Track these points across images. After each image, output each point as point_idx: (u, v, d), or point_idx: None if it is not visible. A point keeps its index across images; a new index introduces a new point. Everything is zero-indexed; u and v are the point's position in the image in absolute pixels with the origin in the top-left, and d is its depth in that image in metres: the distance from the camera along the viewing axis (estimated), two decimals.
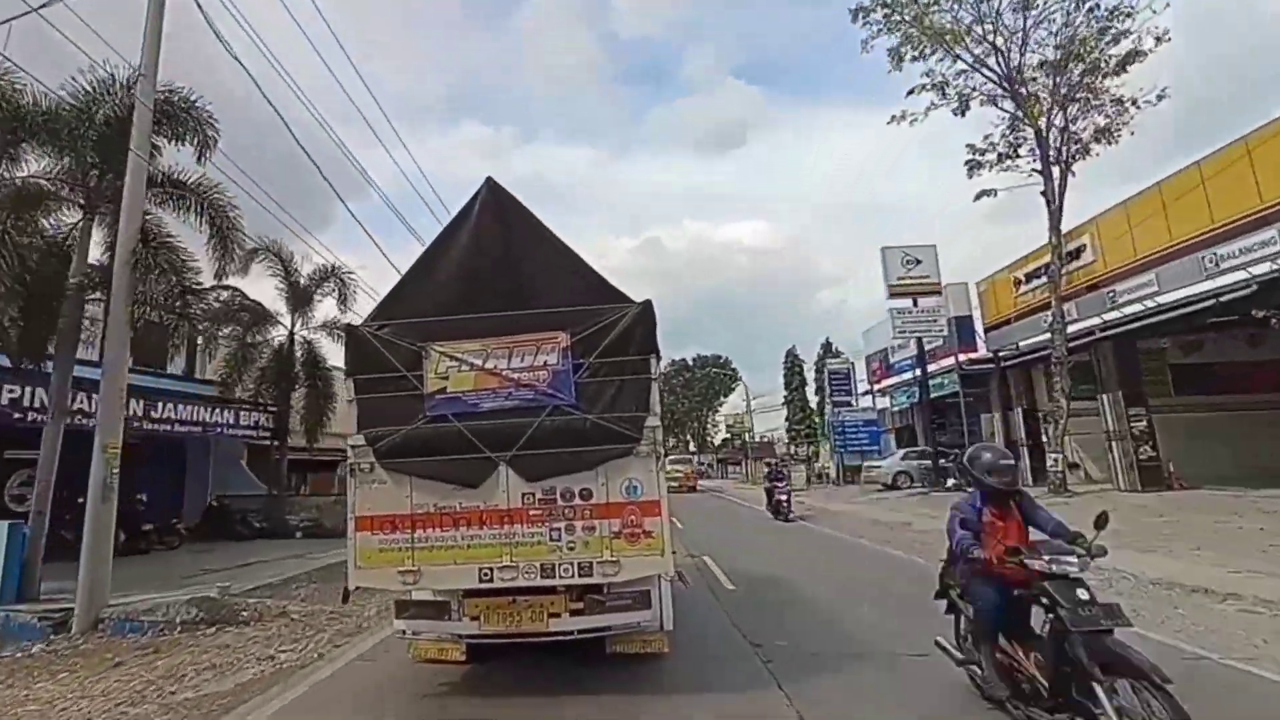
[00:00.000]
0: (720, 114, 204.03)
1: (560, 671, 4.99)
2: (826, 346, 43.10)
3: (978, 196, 20.39)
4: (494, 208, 5.10)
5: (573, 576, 4.43)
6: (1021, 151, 20.22)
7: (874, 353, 35.18)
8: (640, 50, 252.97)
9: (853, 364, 36.54)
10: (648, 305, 4.83)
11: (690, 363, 72.57)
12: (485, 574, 4.44)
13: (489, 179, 5.23)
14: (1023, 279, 22.00)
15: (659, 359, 4.93)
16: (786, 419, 48.89)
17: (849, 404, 37.00)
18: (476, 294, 4.87)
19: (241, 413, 15.58)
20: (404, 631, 4.84)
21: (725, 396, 75.52)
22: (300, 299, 17.93)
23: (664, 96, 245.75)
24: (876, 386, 35.67)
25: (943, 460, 24.58)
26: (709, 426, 79.13)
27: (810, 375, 48.35)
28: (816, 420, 46.91)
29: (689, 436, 79.35)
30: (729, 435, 57.80)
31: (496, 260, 4.95)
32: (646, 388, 4.70)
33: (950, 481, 23.24)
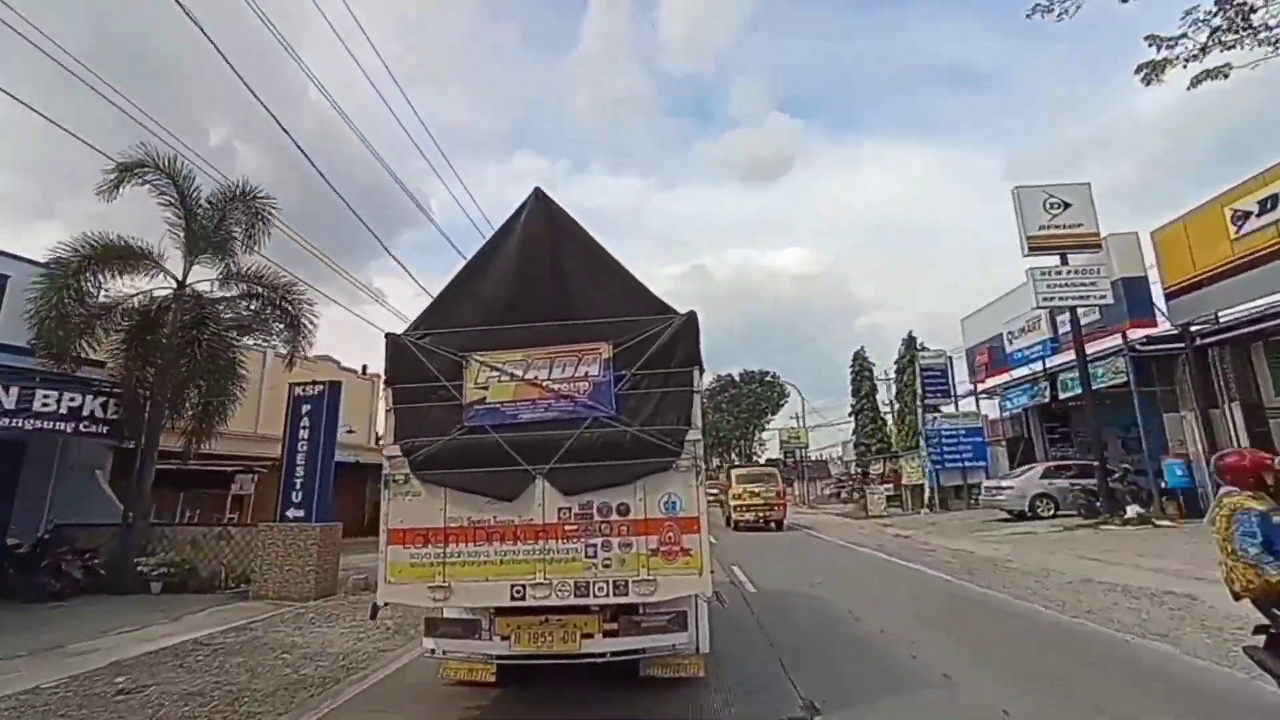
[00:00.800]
0: (764, 146, 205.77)
1: (590, 695, 4.83)
2: (910, 341, 35.80)
3: (1196, 82, 13.52)
4: (541, 218, 5.05)
5: (608, 595, 4.27)
6: (1255, 20, 13.50)
7: (977, 345, 28.07)
8: (688, 85, 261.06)
9: (950, 358, 29.37)
10: (692, 316, 4.72)
11: (736, 378, 70.04)
12: (518, 591, 4.29)
13: (537, 189, 5.18)
14: (1253, 210, 14.94)
15: (702, 372, 4.83)
16: (855, 431, 41.64)
17: (939, 409, 29.88)
18: (520, 303, 4.80)
19: (42, 393, 9.75)
20: (432, 651, 4.64)
21: (773, 414, 71.42)
22: (198, 237, 12.18)
23: (710, 130, 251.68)
24: (980, 387, 28.46)
25: (1113, 480, 17.42)
26: (755, 445, 73.88)
27: (883, 380, 41.19)
28: (891, 432, 39.65)
29: (734, 455, 74.21)
30: (783, 452, 50.65)
31: (541, 270, 4.88)
32: (688, 400, 4.55)
33: (1132, 509, 16.11)
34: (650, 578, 4.22)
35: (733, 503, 22.24)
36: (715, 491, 38.94)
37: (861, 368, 40.77)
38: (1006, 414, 28.18)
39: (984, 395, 28.82)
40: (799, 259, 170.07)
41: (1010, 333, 24.81)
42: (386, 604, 4.48)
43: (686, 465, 4.39)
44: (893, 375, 36.78)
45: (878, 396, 41.03)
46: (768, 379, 71.34)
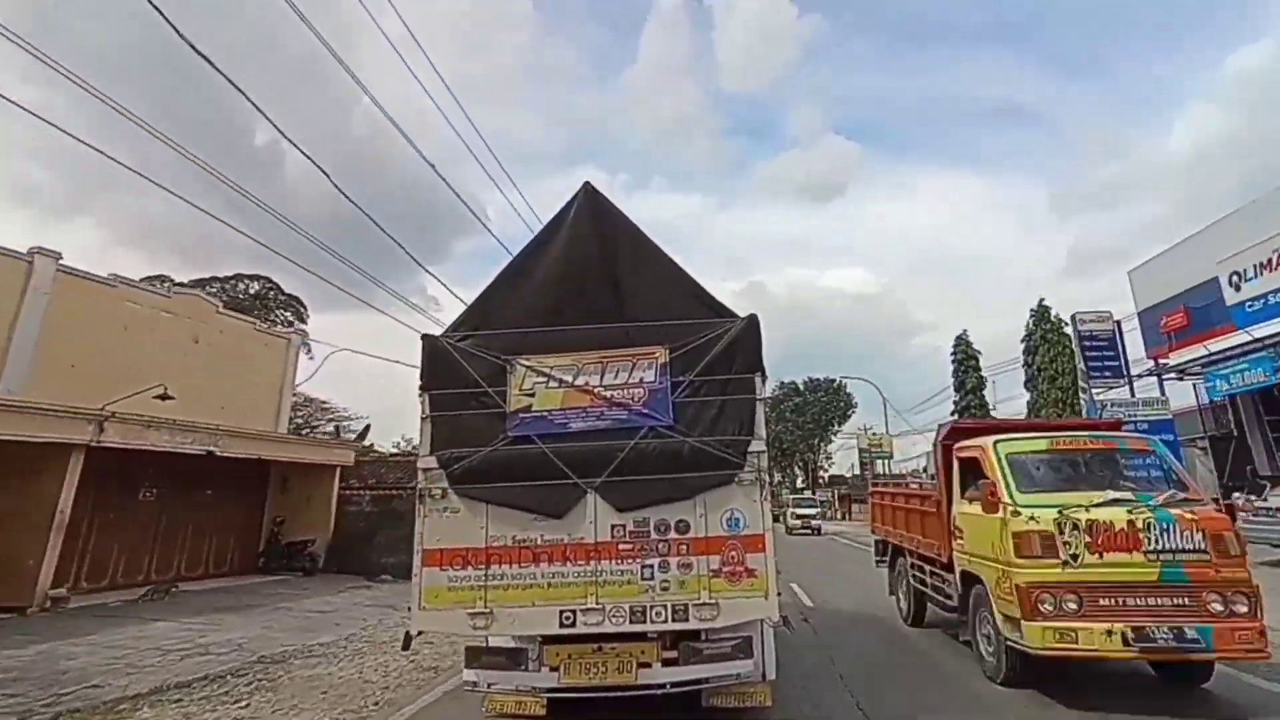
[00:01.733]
0: (821, 167, 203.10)
1: None
2: (1041, 312, 27.21)
3: None
4: (591, 214, 4.73)
5: (666, 621, 3.93)
6: None
7: (1160, 302, 19.99)
8: (745, 106, 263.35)
9: (1118, 323, 21.18)
10: (753, 320, 4.40)
11: (801, 387, 65.67)
12: (567, 617, 3.96)
13: (587, 183, 4.82)
14: None
15: (765, 378, 4.44)
16: None
17: (1089, 391, 21.69)
18: (569, 305, 4.51)
19: None
20: (474, 684, 4.25)
21: (840, 424, 67.00)
22: None
23: (768, 149, 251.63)
24: (1169, 361, 20.20)
25: None
26: (821, 457, 67.46)
27: (986, 368, 32.91)
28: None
29: (797, 469, 67.58)
30: (861, 462, 42.46)
31: (592, 269, 4.59)
32: (751, 409, 4.24)
33: None
34: (712, 601, 3.92)
35: None
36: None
37: (966, 357, 32.60)
38: (1207, 401, 19.93)
39: (1171, 375, 20.57)
40: (855, 279, 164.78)
41: (1235, 275, 16.75)
42: (421, 632, 4.14)
43: (750, 479, 4.11)
44: (1023, 352, 28.31)
45: (985, 392, 32.79)
46: (834, 387, 65.32)
